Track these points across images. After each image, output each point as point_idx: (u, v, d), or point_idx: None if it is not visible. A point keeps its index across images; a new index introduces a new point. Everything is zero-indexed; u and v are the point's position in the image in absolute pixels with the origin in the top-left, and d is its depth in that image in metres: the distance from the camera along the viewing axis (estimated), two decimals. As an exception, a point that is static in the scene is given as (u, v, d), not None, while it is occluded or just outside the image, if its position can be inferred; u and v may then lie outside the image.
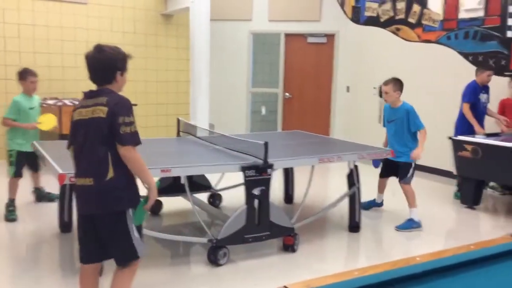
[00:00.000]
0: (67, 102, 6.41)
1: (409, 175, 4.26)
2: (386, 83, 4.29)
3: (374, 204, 4.80)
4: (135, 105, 6.85)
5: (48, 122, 4.51)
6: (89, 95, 2.37)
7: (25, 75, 4.50)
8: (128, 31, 7.77)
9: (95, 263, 2.45)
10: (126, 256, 2.36)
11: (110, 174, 2.25)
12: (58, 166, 2.95)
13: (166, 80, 8.24)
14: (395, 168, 4.36)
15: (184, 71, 8.28)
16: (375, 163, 4.40)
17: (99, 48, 2.38)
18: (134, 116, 2.35)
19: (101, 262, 2.50)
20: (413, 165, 4.29)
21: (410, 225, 4.20)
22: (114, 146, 2.24)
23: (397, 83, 4.27)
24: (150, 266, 3.37)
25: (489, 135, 4.96)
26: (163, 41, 8.13)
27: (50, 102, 6.41)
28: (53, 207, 4.24)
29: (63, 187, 3.88)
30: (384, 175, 4.64)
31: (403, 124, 4.25)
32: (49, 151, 3.49)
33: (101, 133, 2.24)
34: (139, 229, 2.37)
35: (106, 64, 2.35)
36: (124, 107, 2.29)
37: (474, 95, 5.16)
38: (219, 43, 8.11)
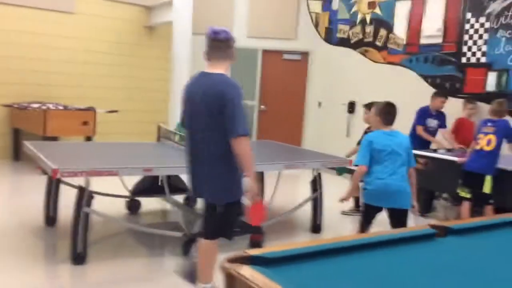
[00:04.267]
0: (51, 106, 6.69)
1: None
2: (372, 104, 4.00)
3: None
4: (116, 111, 7.24)
5: None
6: None
7: None
8: (114, 41, 8.11)
9: None
10: None
11: None
12: (50, 162, 3.29)
13: (147, 88, 8.59)
14: None
15: (163, 81, 8.66)
16: None
17: None
18: None
19: None
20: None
21: None
22: None
23: (380, 108, 3.71)
24: (129, 257, 3.72)
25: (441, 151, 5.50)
26: (146, 51, 8.50)
27: (34, 105, 6.68)
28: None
29: (49, 183, 4.20)
30: None
31: None
32: (42, 150, 3.82)
33: None
34: None
35: None
36: None
37: (422, 119, 5.78)
38: (199, 56, 8.51)
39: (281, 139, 6.47)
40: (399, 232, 2.14)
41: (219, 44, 2.77)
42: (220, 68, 2.79)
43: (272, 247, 1.86)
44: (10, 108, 7.13)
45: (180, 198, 5.07)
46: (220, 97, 2.64)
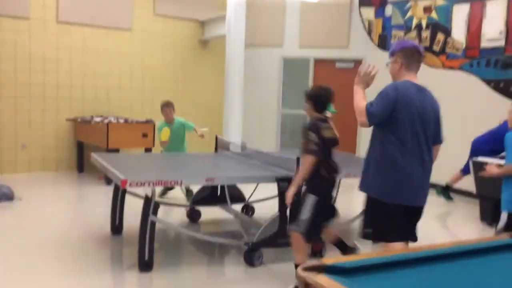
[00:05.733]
0: (112, 119, 6.97)
1: None
2: None
3: None
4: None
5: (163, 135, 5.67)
6: None
7: (161, 106, 5.89)
8: (169, 55, 8.37)
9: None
10: None
11: None
12: (119, 173, 3.42)
13: (202, 101, 8.78)
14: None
15: (218, 93, 8.81)
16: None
17: None
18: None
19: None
20: None
21: None
22: None
23: None
24: (192, 265, 3.79)
25: None
26: (200, 64, 8.70)
27: (97, 119, 6.99)
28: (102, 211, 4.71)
29: (115, 193, 4.36)
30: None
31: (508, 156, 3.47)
32: (108, 161, 3.98)
33: None
34: None
35: None
36: None
37: None
38: (252, 67, 8.62)
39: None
40: (477, 242, 2.06)
41: (420, 58, 3.00)
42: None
43: (344, 257, 1.84)
44: (74, 122, 7.50)
45: (237, 208, 5.12)
46: (439, 110, 3.01)
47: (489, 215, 5.14)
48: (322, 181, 3.31)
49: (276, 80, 8.95)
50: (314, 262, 1.74)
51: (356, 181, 6.49)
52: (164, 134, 5.63)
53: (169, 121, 5.84)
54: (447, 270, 1.81)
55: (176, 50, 8.45)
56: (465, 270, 1.82)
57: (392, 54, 2.99)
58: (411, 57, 2.92)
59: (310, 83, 8.82)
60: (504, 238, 2.09)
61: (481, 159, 5.19)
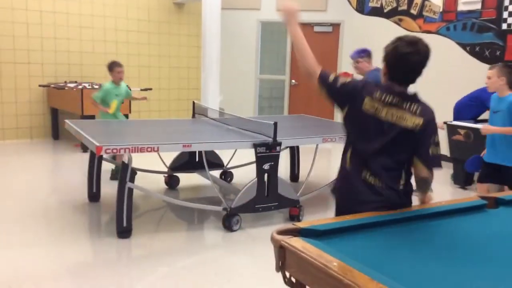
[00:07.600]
0: (86, 85, 6.81)
1: None
2: (491, 67, 3.71)
3: None
4: (150, 89, 7.31)
5: (113, 106, 5.11)
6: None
7: (112, 66, 5.17)
8: (143, 18, 8.13)
9: None
10: None
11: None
12: (94, 140, 3.37)
13: (178, 66, 8.62)
14: (502, 174, 3.62)
15: (194, 58, 8.66)
16: (470, 166, 4.07)
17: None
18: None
19: None
20: None
21: None
22: None
23: (504, 69, 3.61)
24: (171, 231, 3.81)
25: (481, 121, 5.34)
26: (175, 28, 8.50)
27: (71, 85, 6.81)
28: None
29: (91, 160, 4.31)
30: (483, 179, 3.80)
31: (505, 119, 3.55)
32: (83, 128, 3.91)
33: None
34: None
35: None
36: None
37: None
38: (229, 31, 8.46)
39: (313, 114, 6.41)
40: (449, 204, 2.11)
41: None
42: None
43: (318, 220, 1.86)
44: (47, 88, 7.30)
45: (216, 174, 5.13)
46: None
47: (462, 178, 5.27)
48: None
49: (254, 44, 8.82)
50: (288, 225, 1.76)
51: (332, 145, 6.55)
52: (113, 106, 5.08)
53: (118, 83, 5.21)
54: (419, 231, 1.86)
55: (151, 13, 8.21)
56: (437, 231, 1.88)
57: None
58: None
59: (289, 48, 8.73)
60: (474, 199, 2.15)
61: (455, 122, 5.28)
